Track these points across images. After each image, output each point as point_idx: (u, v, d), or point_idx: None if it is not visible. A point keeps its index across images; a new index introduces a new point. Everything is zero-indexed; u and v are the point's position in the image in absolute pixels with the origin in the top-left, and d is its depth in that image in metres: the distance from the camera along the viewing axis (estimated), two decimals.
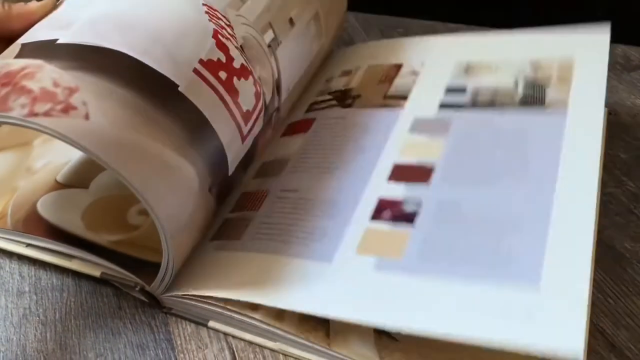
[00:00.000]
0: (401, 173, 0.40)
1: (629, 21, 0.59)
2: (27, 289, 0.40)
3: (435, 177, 0.39)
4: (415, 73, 0.49)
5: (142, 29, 0.35)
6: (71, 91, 0.32)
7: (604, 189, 0.45)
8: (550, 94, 0.42)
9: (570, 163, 0.37)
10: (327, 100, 0.49)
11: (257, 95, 0.40)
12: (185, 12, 0.37)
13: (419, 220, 0.37)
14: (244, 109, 0.38)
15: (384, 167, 0.41)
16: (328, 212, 0.39)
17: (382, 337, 0.35)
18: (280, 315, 0.36)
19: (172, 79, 0.34)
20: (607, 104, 0.51)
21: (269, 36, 0.42)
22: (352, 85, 0.50)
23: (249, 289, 0.36)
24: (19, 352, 0.37)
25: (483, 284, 0.32)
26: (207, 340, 0.37)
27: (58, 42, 0.34)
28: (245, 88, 0.38)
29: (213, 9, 0.38)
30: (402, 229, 0.37)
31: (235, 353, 0.37)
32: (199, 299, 0.37)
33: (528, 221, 0.35)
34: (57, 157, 0.46)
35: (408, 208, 0.38)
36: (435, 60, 0.49)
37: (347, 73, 0.52)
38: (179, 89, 0.34)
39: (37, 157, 0.46)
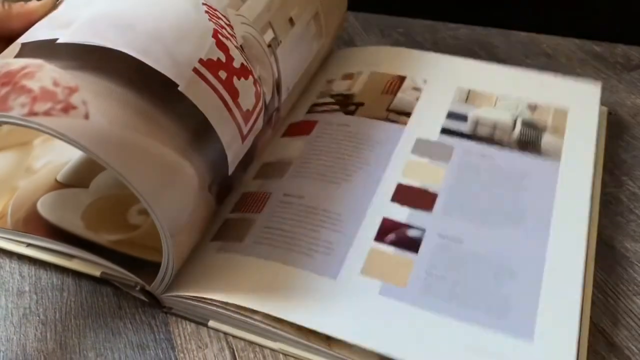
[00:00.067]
0: (405, 195, 0.42)
1: (629, 21, 0.59)
2: (27, 288, 0.40)
3: (437, 205, 0.41)
4: (417, 89, 0.50)
5: (142, 28, 0.35)
6: (71, 90, 0.31)
7: (604, 189, 0.45)
8: (546, 141, 0.45)
9: (562, 213, 0.40)
10: (329, 104, 0.50)
11: (257, 95, 0.40)
12: (185, 12, 0.37)
13: (422, 249, 0.38)
14: (244, 108, 0.38)
15: (388, 185, 0.42)
16: (333, 225, 0.40)
17: None
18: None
19: (172, 78, 0.34)
20: (607, 104, 0.51)
21: (269, 36, 0.42)
22: (355, 90, 0.50)
23: (252, 295, 0.36)
24: (19, 352, 0.37)
25: (481, 330, 0.35)
26: (207, 340, 0.37)
27: (58, 41, 0.34)
28: (245, 88, 0.38)
29: (213, 9, 0.38)
30: (406, 255, 0.38)
31: (236, 353, 0.37)
32: (199, 299, 0.37)
33: (523, 269, 0.37)
34: (57, 157, 0.46)
35: (412, 234, 0.39)
36: (438, 80, 0.51)
37: (349, 76, 0.52)
38: (179, 88, 0.34)
39: (37, 156, 0.46)
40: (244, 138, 0.39)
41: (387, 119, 0.48)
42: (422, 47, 0.59)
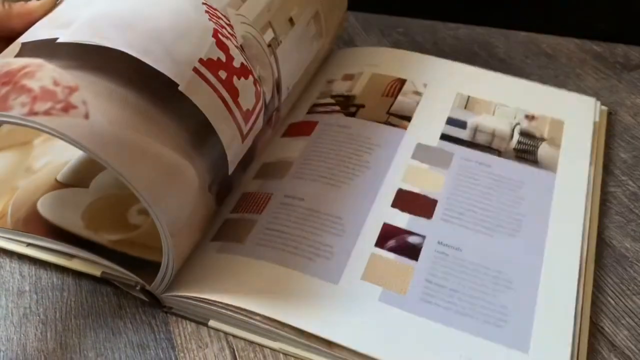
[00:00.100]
0: (405, 201, 0.42)
1: (629, 21, 0.59)
2: (27, 288, 0.40)
3: (437, 212, 0.41)
4: (418, 93, 0.50)
5: (142, 28, 0.35)
6: (71, 90, 0.31)
7: (604, 188, 0.45)
8: (542, 151, 0.46)
9: (557, 224, 0.41)
10: (330, 104, 0.50)
11: (257, 95, 0.40)
12: (185, 11, 0.37)
13: (422, 256, 0.39)
14: (244, 108, 0.38)
15: (388, 190, 0.43)
16: (334, 229, 0.40)
17: None
18: None
19: (172, 78, 0.34)
20: (607, 104, 0.52)
21: (268, 35, 0.42)
22: (355, 92, 0.51)
23: (253, 297, 0.36)
24: (19, 352, 0.37)
25: (477, 340, 0.35)
26: (208, 340, 0.37)
27: (58, 41, 0.34)
28: (245, 87, 0.38)
29: (213, 8, 0.38)
30: (406, 262, 0.39)
31: (236, 352, 0.37)
32: (200, 299, 0.37)
33: (520, 280, 0.38)
34: (57, 157, 0.46)
35: (412, 240, 0.40)
36: (438, 85, 0.51)
37: (349, 77, 0.52)
38: (179, 88, 0.34)
39: (37, 156, 0.46)
40: (244, 138, 0.39)
41: (388, 122, 0.48)
42: (422, 47, 0.59)
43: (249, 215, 0.41)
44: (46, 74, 0.32)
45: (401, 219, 0.41)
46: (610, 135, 0.50)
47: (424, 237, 0.40)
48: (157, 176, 0.33)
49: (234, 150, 0.38)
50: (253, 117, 0.40)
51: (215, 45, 0.37)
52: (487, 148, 0.46)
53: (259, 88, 0.40)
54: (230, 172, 0.39)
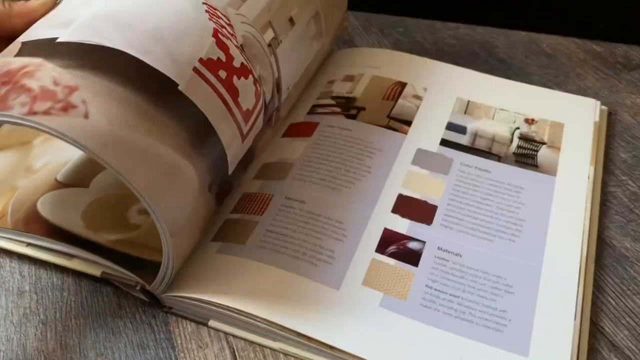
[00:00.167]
0: (405, 207, 0.42)
1: (629, 21, 0.59)
2: (27, 288, 0.40)
3: (437, 218, 0.42)
4: (418, 98, 0.51)
5: (142, 27, 0.35)
6: (71, 90, 0.31)
7: (604, 188, 0.45)
8: (542, 155, 0.46)
9: (557, 227, 0.41)
10: (330, 105, 0.50)
11: (257, 95, 0.40)
12: (185, 11, 0.37)
13: (422, 262, 0.39)
14: (244, 108, 0.38)
15: (389, 195, 0.43)
16: (335, 234, 0.40)
17: None
18: None
19: (172, 77, 0.34)
20: (607, 103, 0.52)
21: (269, 35, 0.42)
22: (356, 94, 0.51)
23: (254, 300, 0.36)
24: (19, 352, 0.37)
25: (477, 344, 0.35)
26: (208, 340, 0.37)
27: (58, 40, 0.34)
28: (245, 87, 0.38)
29: (213, 8, 0.38)
30: (406, 268, 0.39)
31: (236, 352, 0.37)
32: (201, 300, 0.37)
33: (519, 285, 0.38)
34: (57, 156, 0.46)
35: (412, 246, 0.40)
36: (438, 89, 0.52)
37: (349, 78, 0.52)
38: (179, 87, 0.34)
39: (37, 156, 0.46)
40: (244, 137, 0.39)
41: (388, 127, 0.48)
42: (422, 47, 0.59)
43: (249, 217, 0.41)
44: (46, 73, 0.32)
45: (401, 225, 0.41)
46: (610, 135, 0.50)
47: (424, 242, 0.40)
48: (157, 176, 0.33)
49: (234, 150, 0.38)
50: (253, 117, 0.40)
51: (215, 45, 0.37)
52: (487, 153, 0.46)
53: (259, 88, 0.40)
54: (230, 172, 0.39)
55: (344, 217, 0.41)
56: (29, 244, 0.41)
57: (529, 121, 0.49)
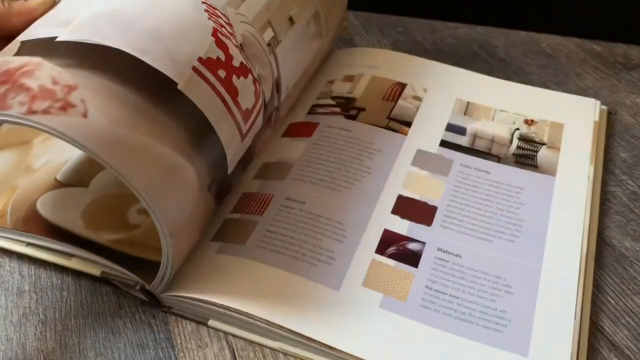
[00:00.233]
0: (405, 208, 0.42)
1: (629, 21, 0.59)
2: (27, 287, 0.40)
3: (437, 219, 0.42)
4: (418, 99, 0.50)
5: (141, 27, 0.35)
6: (70, 89, 0.31)
7: (604, 188, 0.45)
8: (542, 155, 0.46)
9: (557, 227, 0.41)
10: (330, 106, 0.50)
11: (257, 94, 0.40)
12: (185, 10, 0.37)
13: (422, 263, 0.39)
14: (244, 107, 0.38)
15: (389, 196, 0.43)
16: (335, 234, 0.40)
17: None
18: None
19: (171, 77, 0.34)
20: (607, 103, 0.52)
21: (268, 35, 0.42)
22: (356, 94, 0.51)
23: (254, 300, 0.36)
24: (19, 351, 0.37)
25: (477, 345, 0.35)
26: (207, 339, 0.37)
27: (57, 39, 0.34)
28: (245, 86, 0.38)
29: (212, 7, 0.38)
30: (406, 269, 0.39)
31: (236, 352, 0.36)
32: (200, 300, 0.37)
33: (519, 285, 0.38)
34: (57, 156, 0.46)
35: (412, 247, 0.40)
36: (438, 90, 0.51)
37: (349, 78, 0.52)
38: (178, 87, 0.34)
39: (37, 155, 0.46)
40: (243, 137, 0.39)
41: (388, 127, 0.48)
42: (421, 47, 0.59)
43: (249, 216, 0.41)
44: (45, 72, 0.32)
45: (401, 226, 0.41)
46: (610, 134, 0.50)
47: (424, 243, 0.40)
48: (156, 175, 0.33)
49: (234, 150, 0.38)
50: (252, 117, 0.40)
51: (215, 44, 0.37)
52: (486, 154, 0.46)
53: (258, 87, 0.40)
54: (229, 171, 0.39)
55: (344, 217, 0.41)
56: (28, 244, 0.41)
57: (529, 122, 0.49)
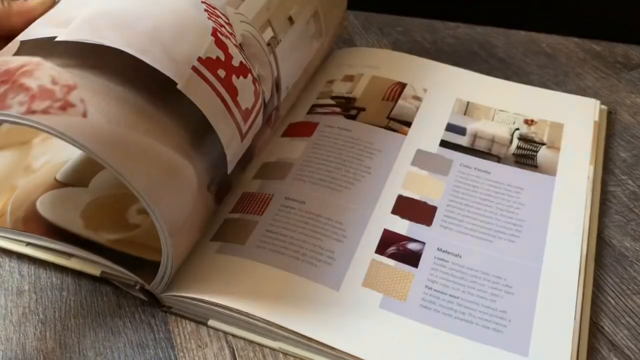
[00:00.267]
0: (405, 208, 0.42)
1: (629, 20, 0.59)
2: (26, 287, 0.40)
3: (437, 219, 0.42)
4: (418, 98, 0.50)
5: (140, 26, 0.35)
6: (69, 89, 0.31)
7: (604, 187, 0.45)
8: (542, 155, 0.46)
9: (557, 227, 0.41)
10: (330, 106, 0.50)
11: (256, 94, 0.40)
12: (184, 10, 0.37)
13: (422, 263, 0.39)
14: (243, 107, 0.38)
15: (389, 196, 0.43)
16: (335, 234, 0.40)
17: None
18: None
19: (171, 76, 0.34)
20: (607, 103, 0.52)
21: (268, 34, 0.42)
22: (356, 94, 0.51)
23: (254, 300, 0.36)
24: (18, 351, 0.37)
25: (477, 345, 0.35)
26: (207, 339, 0.37)
27: (57, 39, 0.34)
28: (245, 86, 0.38)
29: (212, 7, 0.38)
30: (406, 269, 0.39)
31: (235, 352, 0.36)
32: (200, 300, 0.37)
33: (519, 285, 0.38)
34: (57, 156, 0.46)
35: (412, 247, 0.40)
36: (438, 90, 0.51)
37: (349, 78, 0.52)
38: (178, 87, 0.34)
39: (36, 155, 0.46)
40: (243, 137, 0.39)
41: (388, 127, 0.48)
42: (421, 46, 0.59)
43: (249, 216, 0.41)
44: (44, 72, 0.32)
45: (401, 226, 0.41)
46: (610, 134, 0.50)
47: (423, 243, 0.40)
48: (156, 175, 0.33)
49: (233, 150, 0.38)
50: (252, 116, 0.40)
51: (214, 44, 0.37)
52: (486, 154, 0.46)
53: (258, 87, 0.40)
54: (229, 171, 0.39)
55: (344, 217, 0.41)
56: (28, 244, 0.41)
57: (529, 122, 0.49)
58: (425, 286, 0.38)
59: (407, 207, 0.42)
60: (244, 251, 0.39)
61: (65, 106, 0.31)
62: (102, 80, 0.32)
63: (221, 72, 0.37)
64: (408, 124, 0.48)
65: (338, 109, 0.49)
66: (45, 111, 0.30)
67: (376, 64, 0.54)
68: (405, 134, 0.47)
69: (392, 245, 0.40)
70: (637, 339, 0.37)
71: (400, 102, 0.50)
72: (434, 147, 0.47)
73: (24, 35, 0.35)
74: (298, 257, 0.39)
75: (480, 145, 0.47)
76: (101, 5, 0.36)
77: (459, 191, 0.43)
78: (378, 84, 0.52)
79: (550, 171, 0.45)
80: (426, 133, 0.48)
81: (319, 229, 0.40)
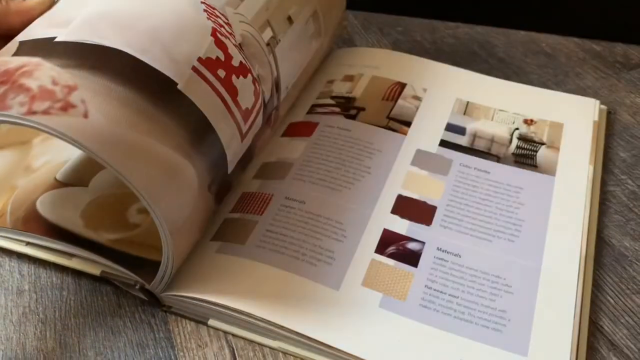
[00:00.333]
0: (404, 207, 0.42)
1: (629, 20, 0.59)
2: (26, 287, 0.40)
3: (436, 219, 0.42)
4: (417, 98, 0.51)
5: (140, 27, 0.35)
6: (70, 89, 0.31)
7: (603, 187, 0.45)
8: (541, 155, 0.46)
9: (557, 226, 0.41)
10: (330, 105, 0.50)
11: (256, 94, 0.40)
12: (184, 10, 0.37)
13: (421, 263, 0.39)
14: (243, 107, 0.38)
15: (388, 196, 0.43)
16: (335, 234, 0.40)
17: None
18: None
19: (171, 77, 0.34)
20: (606, 103, 0.52)
21: (267, 34, 0.42)
22: (355, 94, 0.51)
23: (253, 300, 0.36)
24: (18, 351, 0.37)
25: (477, 344, 0.35)
26: (207, 339, 0.37)
27: (56, 39, 0.34)
28: (244, 86, 0.38)
29: (211, 7, 0.38)
30: (406, 268, 0.39)
31: (235, 351, 0.37)
32: (200, 300, 0.37)
33: (519, 284, 0.38)
34: (57, 156, 0.46)
35: (411, 247, 0.40)
36: (438, 90, 0.52)
37: (349, 78, 0.52)
38: (178, 87, 0.34)
39: (36, 155, 0.46)
40: (243, 137, 0.39)
41: (388, 127, 0.48)
42: (421, 46, 0.59)
43: (249, 216, 0.41)
44: (44, 72, 0.32)
45: (401, 225, 0.41)
46: (609, 134, 0.50)
47: (423, 243, 0.40)
48: (156, 175, 0.33)
49: (233, 149, 0.38)
50: (252, 116, 0.40)
51: (214, 44, 0.37)
52: (486, 154, 0.46)
53: (257, 87, 0.40)
54: (229, 171, 0.39)
55: (344, 217, 0.41)
56: (28, 243, 0.41)
57: (528, 122, 0.49)
58: (425, 286, 0.38)
59: (406, 207, 0.42)
60: (244, 251, 0.39)
61: (66, 107, 0.31)
62: (102, 80, 0.32)
63: (221, 72, 0.37)
64: (408, 124, 0.48)
65: (338, 109, 0.49)
66: (46, 112, 0.30)
67: (376, 63, 0.54)
68: (405, 133, 0.47)
69: (391, 245, 0.40)
70: (636, 338, 0.37)
71: (400, 102, 0.50)
72: (433, 147, 0.47)
73: (23, 36, 0.35)
74: (298, 256, 0.39)
75: (480, 145, 0.47)
76: (101, 5, 0.36)
77: (458, 191, 0.43)
78: (378, 84, 0.52)
79: (550, 171, 0.45)
80: (426, 133, 0.48)
81: (319, 229, 0.40)
